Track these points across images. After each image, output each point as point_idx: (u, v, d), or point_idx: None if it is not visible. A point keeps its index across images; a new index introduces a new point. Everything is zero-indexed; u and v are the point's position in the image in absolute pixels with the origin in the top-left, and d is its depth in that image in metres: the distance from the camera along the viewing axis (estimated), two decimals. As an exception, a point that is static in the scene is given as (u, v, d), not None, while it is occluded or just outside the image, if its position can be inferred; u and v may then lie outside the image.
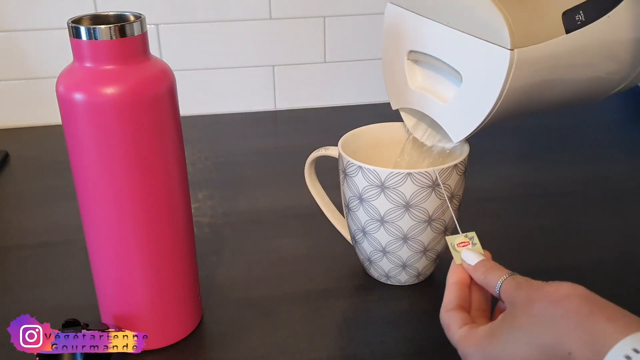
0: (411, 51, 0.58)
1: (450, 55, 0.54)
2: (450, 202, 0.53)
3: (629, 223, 0.68)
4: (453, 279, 0.44)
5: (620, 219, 0.68)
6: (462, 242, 0.45)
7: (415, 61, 0.59)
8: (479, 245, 0.45)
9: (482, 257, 0.43)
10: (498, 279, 0.40)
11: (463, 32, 0.52)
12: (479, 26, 0.50)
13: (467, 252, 0.44)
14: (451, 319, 0.41)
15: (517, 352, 0.36)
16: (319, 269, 0.60)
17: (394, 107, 0.61)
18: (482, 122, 0.53)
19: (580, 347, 0.33)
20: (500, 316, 0.39)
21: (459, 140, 0.55)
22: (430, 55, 0.56)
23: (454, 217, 0.51)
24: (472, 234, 0.45)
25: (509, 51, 0.49)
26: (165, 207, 0.46)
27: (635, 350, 0.30)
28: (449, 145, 0.57)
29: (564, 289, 0.36)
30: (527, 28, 0.50)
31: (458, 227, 0.48)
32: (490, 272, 0.42)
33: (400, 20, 0.58)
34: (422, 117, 0.59)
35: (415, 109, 0.59)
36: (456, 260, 0.44)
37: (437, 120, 0.56)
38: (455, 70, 0.54)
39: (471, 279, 0.44)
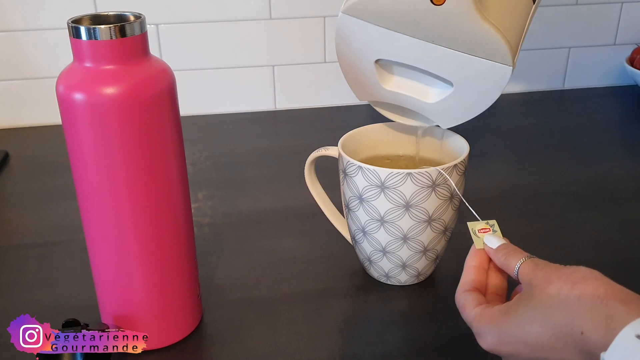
0: (380, 59, 0.55)
1: (438, 66, 0.53)
2: (450, 201, 0.53)
3: (629, 223, 0.68)
4: (472, 262, 0.45)
5: (620, 219, 0.68)
6: (482, 229, 0.46)
7: (385, 64, 0.56)
8: (499, 232, 0.45)
9: (503, 242, 0.44)
10: (517, 261, 0.41)
11: (455, 50, 0.50)
12: (475, 47, 0.50)
13: (490, 236, 0.45)
14: (467, 299, 0.42)
15: (531, 331, 0.37)
16: (319, 269, 0.60)
17: (360, 100, 0.59)
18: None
19: (593, 327, 0.34)
20: (517, 296, 0.40)
21: (447, 127, 0.56)
22: (408, 65, 0.54)
23: (467, 205, 0.50)
24: (493, 221, 0.46)
25: (510, 67, 0.50)
26: (165, 207, 0.46)
27: None
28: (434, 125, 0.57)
29: (581, 272, 0.36)
30: (515, 32, 0.50)
31: (476, 214, 0.48)
32: (510, 254, 0.42)
33: (362, 31, 0.53)
34: (396, 107, 0.58)
35: (394, 104, 0.58)
36: (476, 245, 0.45)
37: (423, 114, 0.56)
38: (441, 77, 0.54)
39: (489, 264, 0.45)
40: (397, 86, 0.57)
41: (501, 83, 0.51)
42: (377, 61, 0.55)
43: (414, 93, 0.56)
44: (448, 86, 0.54)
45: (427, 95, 0.56)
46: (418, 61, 0.53)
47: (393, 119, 0.59)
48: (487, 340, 0.40)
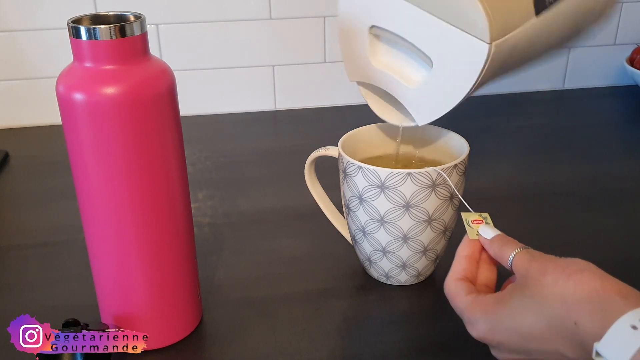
0: (374, 26, 0.56)
1: (421, 38, 0.52)
2: (450, 201, 0.53)
3: (629, 223, 0.68)
4: (464, 252, 0.44)
5: (620, 219, 0.68)
6: (475, 220, 0.46)
7: (377, 36, 0.57)
8: (491, 224, 0.45)
9: (498, 233, 0.44)
10: (512, 251, 0.41)
11: (438, 17, 0.50)
12: (456, 15, 0.49)
13: (485, 227, 0.45)
14: (458, 288, 0.42)
15: (524, 321, 0.37)
16: (319, 269, 0.60)
17: (350, 80, 0.60)
18: (452, 109, 0.53)
19: (587, 318, 0.33)
20: (510, 285, 0.40)
21: (424, 123, 0.55)
22: (397, 35, 0.54)
23: (462, 199, 0.51)
24: (486, 214, 0.46)
25: (487, 45, 0.49)
26: (165, 207, 0.46)
27: None
28: (414, 124, 0.57)
29: (577, 264, 0.36)
30: (503, 18, 0.50)
31: (469, 207, 0.48)
32: (506, 245, 0.42)
33: None
34: (381, 92, 0.58)
35: (378, 86, 0.58)
36: (470, 235, 0.45)
37: (402, 102, 0.56)
38: (424, 53, 0.53)
39: (480, 255, 0.44)
40: (384, 65, 0.57)
41: (477, 63, 0.50)
42: (371, 32, 0.55)
43: (398, 75, 0.56)
44: (429, 69, 0.54)
45: (409, 79, 0.55)
46: (405, 30, 0.53)
47: (376, 112, 0.59)
48: (478, 329, 0.39)
